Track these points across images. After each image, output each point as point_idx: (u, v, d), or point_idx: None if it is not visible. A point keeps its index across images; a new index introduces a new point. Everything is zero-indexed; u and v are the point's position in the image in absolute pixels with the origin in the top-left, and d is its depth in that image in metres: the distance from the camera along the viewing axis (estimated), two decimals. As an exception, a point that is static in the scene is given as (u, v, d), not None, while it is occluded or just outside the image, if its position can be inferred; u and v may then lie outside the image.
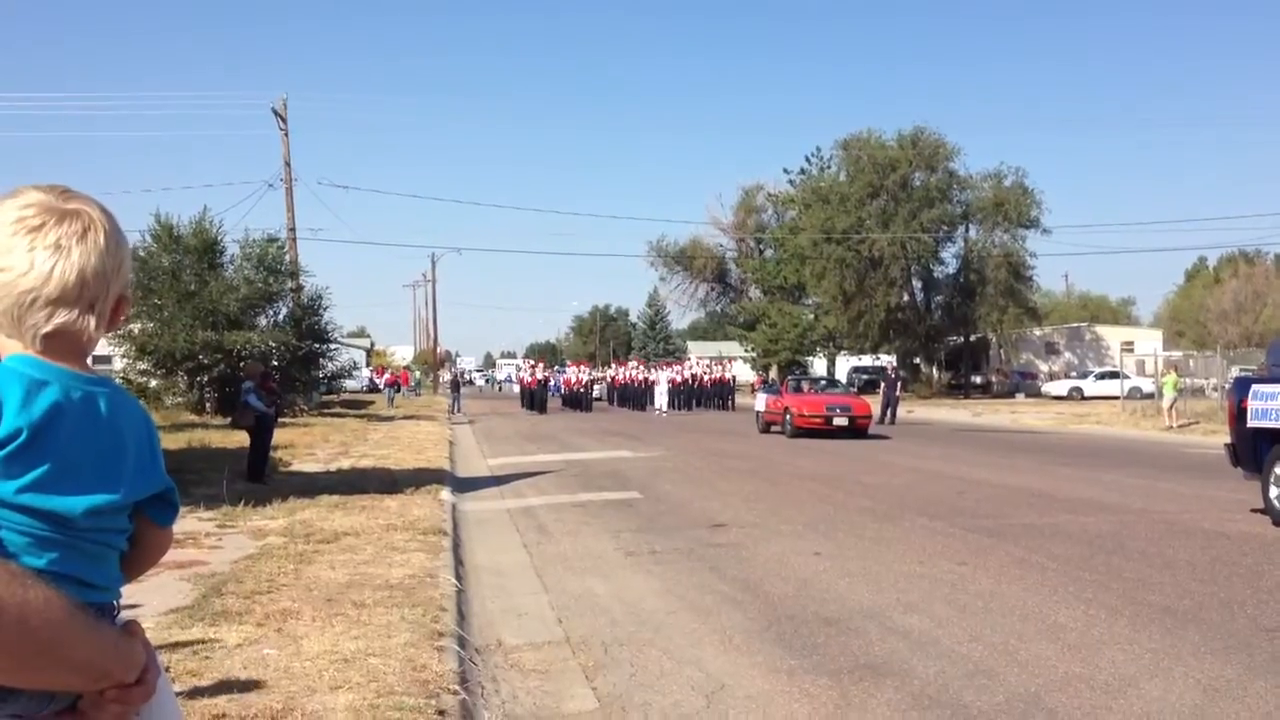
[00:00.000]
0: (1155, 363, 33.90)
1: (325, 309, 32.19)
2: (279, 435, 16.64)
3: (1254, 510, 10.46)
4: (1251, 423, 10.45)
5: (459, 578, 7.42)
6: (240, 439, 14.87)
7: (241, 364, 24.06)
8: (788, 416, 24.31)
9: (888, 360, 50.21)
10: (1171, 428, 25.13)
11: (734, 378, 45.94)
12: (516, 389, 53.79)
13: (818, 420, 23.66)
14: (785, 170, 64.55)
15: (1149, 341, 54.04)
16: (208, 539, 8.76)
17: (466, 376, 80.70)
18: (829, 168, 58.23)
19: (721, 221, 71.75)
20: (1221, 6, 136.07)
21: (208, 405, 27.85)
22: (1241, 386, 11.00)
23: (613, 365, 56.91)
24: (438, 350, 78.76)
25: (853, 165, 51.75)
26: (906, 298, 51.08)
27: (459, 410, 38.06)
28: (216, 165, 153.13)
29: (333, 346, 33.81)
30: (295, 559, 7.62)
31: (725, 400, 43.09)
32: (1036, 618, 6.31)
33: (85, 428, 1.41)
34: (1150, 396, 32.77)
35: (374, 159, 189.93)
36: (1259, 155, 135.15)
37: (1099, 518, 10.47)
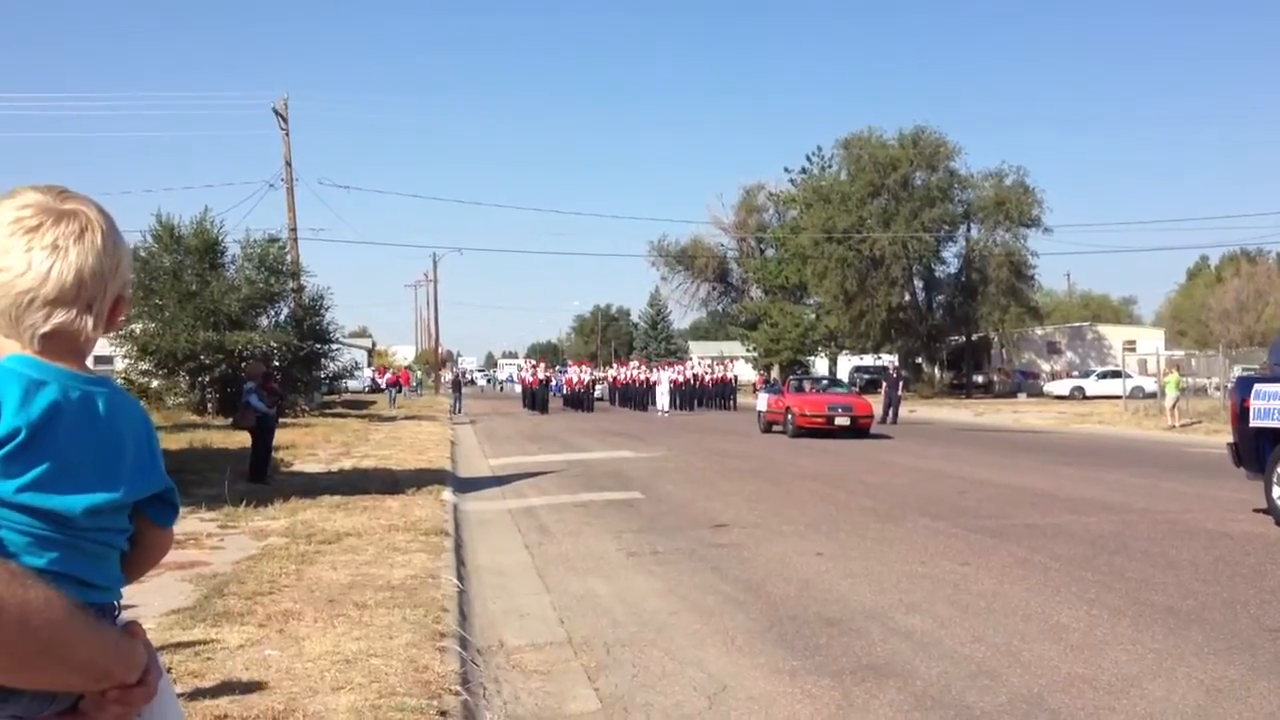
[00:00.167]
0: (1157, 362, 33.84)
1: (326, 309, 32.25)
2: (280, 436, 16.64)
3: (1257, 510, 10.45)
4: (1254, 422, 10.44)
5: (461, 578, 7.41)
6: (242, 439, 14.88)
7: (243, 364, 24.09)
8: (789, 416, 24.30)
9: (889, 360, 50.24)
10: (1174, 427, 25.11)
11: (736, 377, 45.92)
12: (518, 389, 53.82)
13: (819, 420, 23.65)
14: (786, 169, 64.54)
15: (1151, 341, 53.98)
16: (209, 540, 8.75)
17: (468, 376, 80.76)
18: (830, 167, 58.20)
19: (723, 221, 71.85)
20: (1221, 6, 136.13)
21: (209, 406, 27.87)
22: (1244, 386, 10.98)
23: (614, 365, 56.89)
24: (439, 350, 78.81)
25: (854, 164, 51.70)
26: (908, 297, 51.04)
27: (460, 410, 38.06)
28: (217, 165, 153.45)
29: (334, 347, 33.82)
30: (297, 560, 7.62)
31: (727, 400, 43.08)
32: (1039, 618, 6.30)
33: (84, 427, 1.41)
34: (1152, 396, 32.73)
35: (374, 159, 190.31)
36: (1260, 154, 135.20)
37: (1101, 517, 10.46)
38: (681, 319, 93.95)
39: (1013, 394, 50.21)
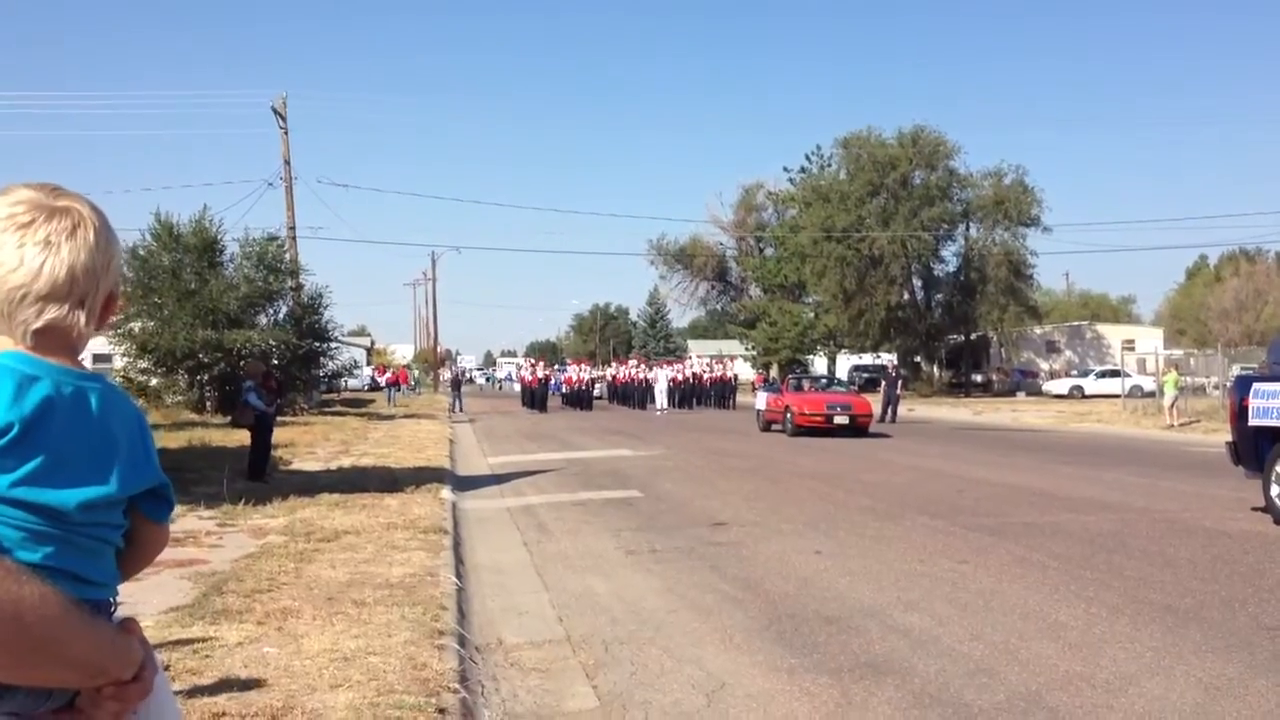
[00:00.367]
0: (1156, 361, 33.84)
1: (325, 307, 32.24)
2: (279, 434, 16.64)
3: (1255, 509, 10.45)
4: (1253, 421, 10.45)
5: (459, 576, 7.41)
6: (241, 437, 14.88)
7: (242, 363, 24.08)
8: (788, 415, 24.30)
9: (888, 359, 50.22)
10: (1172, 426, 25.11)
11: (734, 376, 45.90)
12: (517, 388, 53.81)
13: (818, 419, 23.65)
14: (785, 168, 64.49)
15: (1150, 340, 54.01)
16: (208, 537, 8.75)
17: (467, 375, 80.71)
18: (829, 166, 58.19)
19: (722, 220, 71.88)
20: (1221, 6, 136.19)
21: (208, 404, 27.87)
22: (1243, 385, 10.99)
23: (613, 364, 56.87)
24: (438, 349, 78.79)
25: (853, 163, 51.71)
26: (907, 296, 51.05)
27: (460, 409, 38.05)
28: (216, 164, 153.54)
29: (333, 345, 33.81)
30: (296, 557, 7.62)
31: (726, 399, 43.06)
32: (1037, 616, 6.30)
33: (77, 422, 1.41)
34: (1151, 395, 32.75)
35: (374, 158, 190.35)
36: (1259, 154, 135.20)
37: (1100, 516, 10.46)
38: (680, 318, 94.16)
39: (1011, 393, 50.20)
